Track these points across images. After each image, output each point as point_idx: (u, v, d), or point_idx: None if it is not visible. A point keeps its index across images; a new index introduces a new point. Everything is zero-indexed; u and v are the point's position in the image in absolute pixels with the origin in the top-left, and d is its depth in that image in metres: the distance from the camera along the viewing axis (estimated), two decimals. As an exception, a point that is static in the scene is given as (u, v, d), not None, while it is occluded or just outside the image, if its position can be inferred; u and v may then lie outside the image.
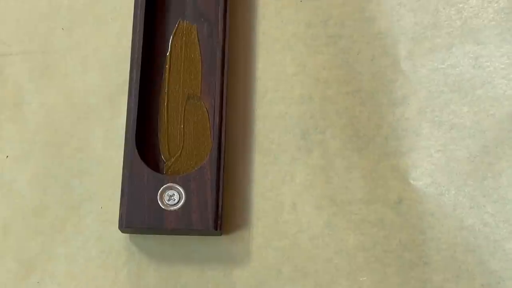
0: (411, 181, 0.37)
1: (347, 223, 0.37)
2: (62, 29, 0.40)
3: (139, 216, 0.35)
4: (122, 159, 0.36)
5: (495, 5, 0.40)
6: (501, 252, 0.36)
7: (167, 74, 0.38)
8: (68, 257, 0.36)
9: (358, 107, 0.39)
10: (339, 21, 0.40)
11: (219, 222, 0.35)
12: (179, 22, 0.39)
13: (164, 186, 0.35)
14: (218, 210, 0.35)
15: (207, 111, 0.38)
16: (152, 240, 0.37)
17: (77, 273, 0.36)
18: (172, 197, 0.35)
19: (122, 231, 0.36)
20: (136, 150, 0.36)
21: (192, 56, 0.38)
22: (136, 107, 0.36)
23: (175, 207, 0.35)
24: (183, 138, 0.37)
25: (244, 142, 0.38)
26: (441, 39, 0.40)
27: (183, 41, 0.39)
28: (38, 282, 0.36)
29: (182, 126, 0.37)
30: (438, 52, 0.39)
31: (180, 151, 0.37)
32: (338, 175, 0.38)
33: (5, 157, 0.38)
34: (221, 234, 0.36)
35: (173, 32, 0.39)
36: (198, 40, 0.39)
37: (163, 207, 0.35)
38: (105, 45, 0.40)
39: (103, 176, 0.38)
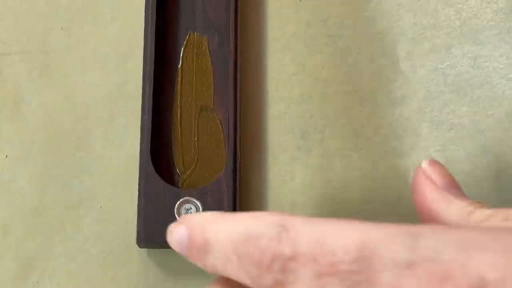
0: (411, 181, 0.37)
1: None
2: (61, 28, 0.40)
3: (157, 231, 0.34)
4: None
5: (494, 5, 0.40)
6: (500, 251, 0.36)
7: (179, 87, 0.38)
8: (68, 257, 0.36)
9: (357, 107, 0.39)
10: (338, 21, 0.40)
11: None
12: (190, 33, 0.39)
13: (181, 200, 0.35)
14: None
15: (221, 122, 0.38)
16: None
17: (76, 272, 0.36)
18: (189, 210, 0.35)
19: (140, 247, 0.36)
20: (151, 165, 0.35)
21: (204, 67, 0.38)
22: (150, 120, 0.36)
23: None
24: (197, 151, 0.37)
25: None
26: (440, 40, 0.40)
27: (194, 53, 0.39)
28: (37, 282, 0.36)
29: (196, 138, 0.37)
30: (437, 52, 0.39)
31: (195, 164, 0.37)
32: (337, 174, 0.38)
33: (5, 156, 0.38)
34: None
35: (184, 44, 0.39)
36: (209, 51, 0.39)
37: None
38: (104, 44, 0.40)
39: (102, 175, 0.38)
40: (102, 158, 0.38)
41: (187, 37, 0.39)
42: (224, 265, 0.24)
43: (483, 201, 0.35)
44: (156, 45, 0.37)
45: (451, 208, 0.27)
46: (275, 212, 0.24)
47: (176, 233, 0.26)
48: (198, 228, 0.25)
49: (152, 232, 0.35)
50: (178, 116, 0.38)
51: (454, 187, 0.29)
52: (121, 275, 0.36)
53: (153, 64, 0.37)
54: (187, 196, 0.35)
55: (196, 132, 0.37)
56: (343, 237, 0.21)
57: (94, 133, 0.38)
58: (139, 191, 0.35)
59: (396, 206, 0.37)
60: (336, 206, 0.37)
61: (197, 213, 0.28)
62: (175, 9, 0.39)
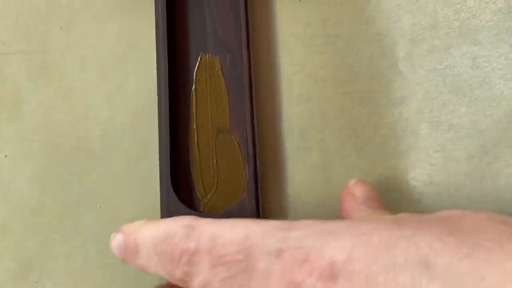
0: (410, 181, 0.37)
1: (346, 223, 0.37)
2: (61, 28, 0.40)
3: None
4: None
5: (493, 6, 0.40)
6: (499, 251, 0.36)
7: (194, 109, 0.38)
8: (67, 257, 0.36)
9: (356, 107, 0.39)
10: (338, 21, 0.40)
11: None
12: (201, 55, 0.39)
13: None
14: None
15: (238, 143, 0.37)
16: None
17: (76, 272, 0.36)
18: None
19: None
20: (173, 192, 0.35)
21: (218, 89, 0.38)
22: (168, 146, 0.36)
23: None
24: (217, 173, 0.37)
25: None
26: (439, 40, 0.40)
27: (207, 75, 0.38)
28: (36, 282, 0.36)
29: (214, 161, 0.37)
30: (436, 53, 0.40)
31: (215, 187, 0.37)
32: (337, 175, 0.38)
33: (4, 156, 0.38)
34: None
35: (196, 66, 0.38)
36: (222, 72, 0.38)
37: None
38: (104, 44, 0.40)
39: (102, 175, 0.38)
40: (102, 158, 0.38)
41: (199, 59, 0.39)
42: (149, 264, 0.28)
43: (480, 202, 0.35)
44: (169, 69, 0.37)
45: (360, 215, 0.32)
46: (189, 216, 0.28)
47: (114, 240, 0.30)
48: (130, 233, 0.30)
49: None
50: (195, 139, 0.37)
51: (371, 200, 0.33)
52: (121, 275, 0.36)
53: (167, 90, 0.36)
54: None
55: (215, 154, 0.37)
56: (232, 232, 0.25)
57: (94, 133, 0.38)
58: (162, 218, 0.35)
59: (396, 206, 0.37)
60: (336, 206, 0.37)
61: (132, 222, 0.31)
62: (185, 31, 0.39)
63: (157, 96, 0.37)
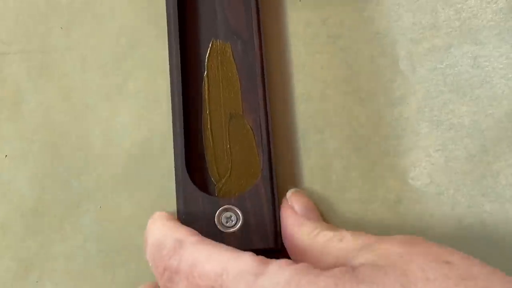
0: (410, 181, 0.37)
1: (346, 223, 0.37)
2: (61, 28, 0.40)
3: None
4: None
5: (494, 5, 0.40)
6: (499, 251, 0.36)
7: (206, 95, 0.38)
8: (67, 256, 0.36)
9: (356, 106, 0.39)
10: (338, 21, 0.40)
11: (278, 238, 0.34)
12: (213, 41, 0.39)
13: (220, 208, 0.35)
14: (277, 226, 0.35)
15: (251, 128, 0.37)
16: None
17: (76, 272, 0.36)
18: (230, 218, 0.35)
19: None
20: (188, 177, 0.35)
21: (230, 74, 0.38)
22: (183, 132, 0.36)
23: (233, 229, 0.34)
24: (231, 158, 0.37)
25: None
26: (439, 39, 0.40)
27: (218, 61, 0.38)
28: (37, 282, 0.36)
29: (228, 146, 0.37)
30: (437, 52, 0.40)
31: (229, 171, 0.37)
32: (336, 174, 0.38)
33: (4, 156, 0.38)
34: (281, 251, 0.35)
35: (208, 52, 0.39)
36: (234, 58, 0.38)
37: (222, 230, 0.34)
38: (104, 44, 0.40)
39: (102, 175, 0.38)
40: (102, 158, 0.38)
41: (210, 45, 0.39)
42: (149, 262, 0.31)
43: (480, 202, 0.35)
44: (181, 55, 0.37)
45: (303, 229, 0.33)
46: (184, 229, 0.31)
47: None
48: (148, 228, 0.32)
49: None
50: (209, 125, 0.37)
51: (311, 211, 0.35)
52: (121, 275, 0.36)
53: (180, 76, 0.37)
54: (226, 205, 0.35)
55: (228, 140, 0.37)
56: (208, 264, 0.28)
57: (94, 133, 0.39)
58: (177, 204, 0.35)
59: (396, 206, 0.37)
60: (336, 206, 0.37)
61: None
62: (196, 18, 0.39)
63: (169, 84, 0.37)
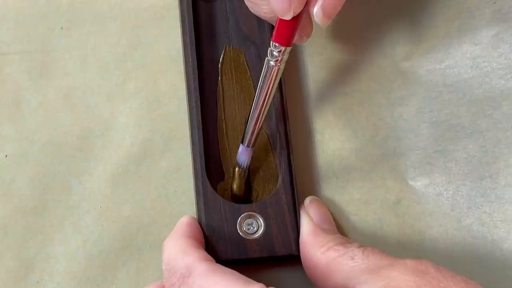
0: (410, 182, 0.38)
1: (346, 223, 0.37)
2: (61, 28, 0.40)
3: (222, 249, 0.34)
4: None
5: (492, 5, 0.40)
6: (499, 251, 0.36)
7: (221, 101, 0.38)
8: (67, 257, 0.36)
9: (356, 107, 0.39)
10: (337, 21, 0.40)
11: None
12: (226, 47, 0.39)
13: (242, 215, 0.35)
14: (298, 233, 0.34)
15: (266, 133, 0.37)
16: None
17: (76, 272, 0.36)
18: (251, 225, 0.34)
19: None
20: (209, 184, 0.35)
21: (243, 80, 0.38)
22: (202, 139, 0.36)
23: (255, 236, 0.34)
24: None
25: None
26: (438, 40, 0.40)
27: (232, 67, 0.38)
28: (37, 282, 0.36)
29: None
30: (436, 52, 0.40)
31: None
32: (336, 175, 0.38)
33: (4, 156, 0.38)
34: None
35: (221, 58, 0.38)
36: (247, 64, 0.38)
37: (244, 237, 0.34)
38: (104, 44, 0.40)
39: (102, 175, 0.38)
40: (102, 158, 0.38)
41: (223, 51, 0.39)
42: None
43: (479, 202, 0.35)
44: (197, 61, 0.37)
45: (316, 240, 0.33)
46: (196, 252, 0.31)
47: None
48: (165, 242, 0.33)
49: (217, 250, 0.34)
50: (224, 131, 0.37)
51: (327, 222, 0.35)
52: (121, 275, 0.36)
53: (197, 83, 0.36)
54: (248, 211, 0.35)
55: None
56: None
57: (94, 133, 0.39)
58: (198, 211, 0.35)
59: (395, 206, 0.37)
60: (336, 207, 0.37)
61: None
62: (209, 24, 0.39)
63: (186, 90, 0.37)
